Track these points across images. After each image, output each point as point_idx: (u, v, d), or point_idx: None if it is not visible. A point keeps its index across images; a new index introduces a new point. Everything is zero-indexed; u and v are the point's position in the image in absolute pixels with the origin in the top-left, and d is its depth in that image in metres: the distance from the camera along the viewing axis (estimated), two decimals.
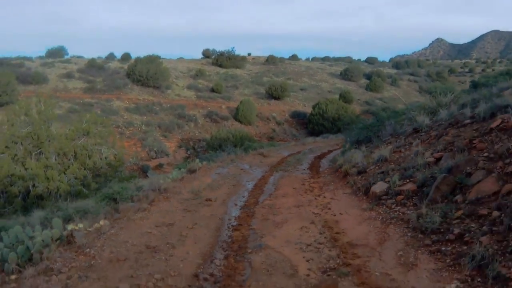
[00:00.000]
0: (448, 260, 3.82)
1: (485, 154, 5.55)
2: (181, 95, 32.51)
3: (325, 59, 71.33)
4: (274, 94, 34.23)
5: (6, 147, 12.18)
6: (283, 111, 32.55)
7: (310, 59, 71.73)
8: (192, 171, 9.13)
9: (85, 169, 13.02)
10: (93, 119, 13.79)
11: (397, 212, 5.23)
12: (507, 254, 3.60)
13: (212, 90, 34.02)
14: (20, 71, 29.22)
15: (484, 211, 4.41)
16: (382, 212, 5.37)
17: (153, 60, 33.87)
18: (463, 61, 78.77)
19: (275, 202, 6.57)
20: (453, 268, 3.69)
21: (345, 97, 34.09)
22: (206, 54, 51.78)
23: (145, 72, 31.30)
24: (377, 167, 7.46)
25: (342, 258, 4.04)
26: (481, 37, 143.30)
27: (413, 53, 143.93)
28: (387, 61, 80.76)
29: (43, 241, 4.77)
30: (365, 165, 7.91)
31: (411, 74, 55.05)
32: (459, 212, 4.62)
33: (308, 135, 27.63)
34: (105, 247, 4.21)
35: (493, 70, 54.80)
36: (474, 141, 6.28)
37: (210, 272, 3.80)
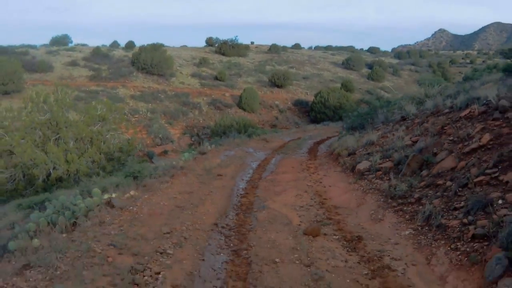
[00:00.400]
0: (407, 216, 5.01)
1: (451, 138, 6.67)
2: (185, 83, 33.23)
3: (327, 48, 71.64)
4: (277, 83, 34.90)
5: (26, 133, 13.28)
6: (285, 99, 33.30)
7: (313, 48, 72.10)
8: (202, 153, 10.32)
9: (100, 154, 14.18)
10: (108, 106, 14.87)
11: (375, 184, 6.40)
12: (450, 211, 4.78)
13: (216, 78, 34.72)
14: (25, 59, 29.19)
15: (441, 182, 5.58)
16: (363, 185, 6.55)
17: (157, 48, 34.38)
18: (465, 52, 78.80)
19: (276, 177, 7.78)
20: (409, 221, 4.88)
21: (346, 86, 34.79)
22: (210, 42, 52.16)
23: (149, 60, 31.78)
24: (364, 150, 8.60)
25: (326, 215, 5.25)
26: (484, 29, 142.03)
27: (415, 43, 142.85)
28: (389, 51, 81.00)
29: (86, 207, 5.98)
30: (355, 148, 9.05)
31: (413, 64, 55.58)
32: (422, 183, 5.79)
33: (310, 122, 28.41)
34: (143, 206, 5.41)
35: (493, 61, 55.16)
36: (445, 127, 7.40)
37: (226, 223, 5.04)
